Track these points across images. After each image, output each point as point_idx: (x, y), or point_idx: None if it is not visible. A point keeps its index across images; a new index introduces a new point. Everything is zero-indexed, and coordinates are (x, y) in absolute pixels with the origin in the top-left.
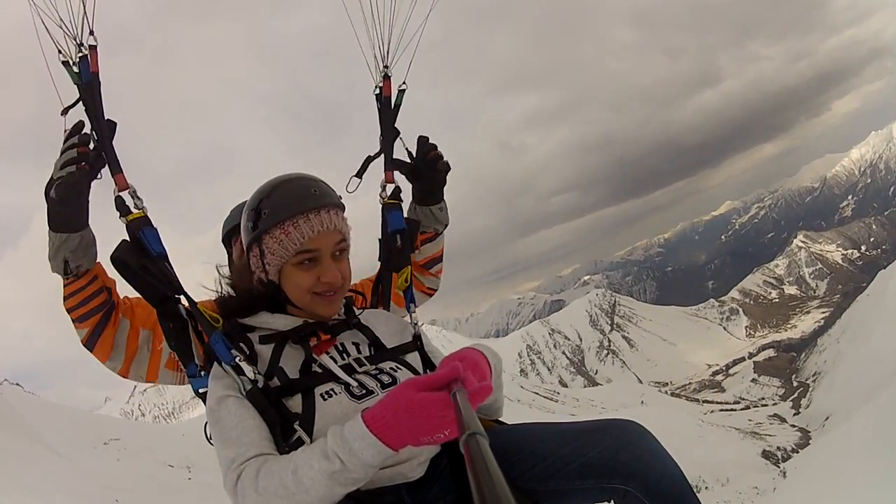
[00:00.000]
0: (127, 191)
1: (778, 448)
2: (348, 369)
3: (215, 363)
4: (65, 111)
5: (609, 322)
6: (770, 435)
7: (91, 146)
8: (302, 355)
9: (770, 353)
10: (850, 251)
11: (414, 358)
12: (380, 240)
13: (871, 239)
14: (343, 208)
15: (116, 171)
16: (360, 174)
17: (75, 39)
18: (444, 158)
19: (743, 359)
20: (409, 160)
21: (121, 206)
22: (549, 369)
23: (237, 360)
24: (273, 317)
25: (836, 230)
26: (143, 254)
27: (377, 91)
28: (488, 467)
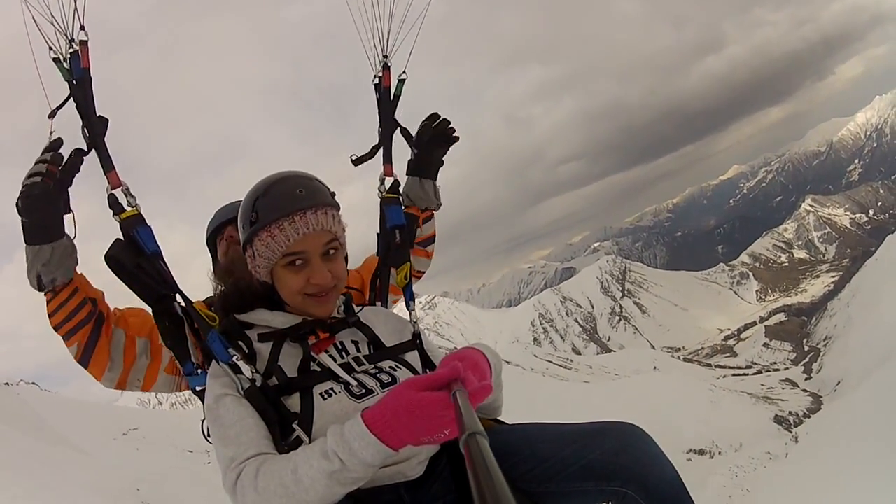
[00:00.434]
0: (119, 188)
1: (790, 413)
2: (347, 368)
3: (213, 361)
4: (52, 114)
5: (620, 288)
6: (782, 400)
7: (60, 165)
8: (300, 354)
9: (781, 317)
10: (858, 215)
11: (413, 357)
12: (378, 235)
13: (879, 203)
14: (336, 207)
15: (109, 168)
16: (359, 161)
17: (66, 35)
18: (452, 129)
19: (754, 323)
20: (412, 142)
21: (114, 204)
22: (561, 337)
23: (234, 359)
24: (272, 314)
25: (844, 194)
26: (138, 252)
27: (376, 81)
28: (488, 467)
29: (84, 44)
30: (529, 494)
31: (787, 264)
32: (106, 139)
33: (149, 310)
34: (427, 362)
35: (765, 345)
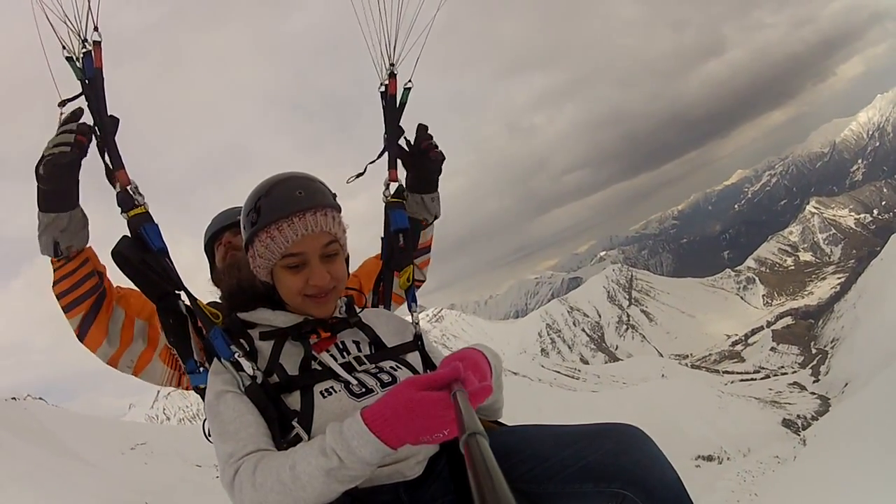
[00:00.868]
0: (129, 186)
1: (798, 416)
2: (348, 367)
3: (215, 359)
4: (63, 103)
5: (627, 297)
6: (790, 403)
7: (89, 136)
8: (302, 352)
9: (788, 320)
10: (862, 215)
11: (414, 357)
12: (382, 238)
13: (883, 202)
14: (336, 208)
15: (118, 166)
16: (353, 179)
17: (79, 35)
18: (439, 148)
19: (761, 328)
20: (407, 149)
21: (122, 201)
22: (569, 347)
23: (236, 356)
24: (273, 313)
25: (848, 195)
26: (144, 249)
27: (382, 89)
28: (488, 467)
29: (97, 44)
30: (529, 495)
31: (793, 267)
32: (116, 138)
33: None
34: (428, 363)
35: (772, 349)
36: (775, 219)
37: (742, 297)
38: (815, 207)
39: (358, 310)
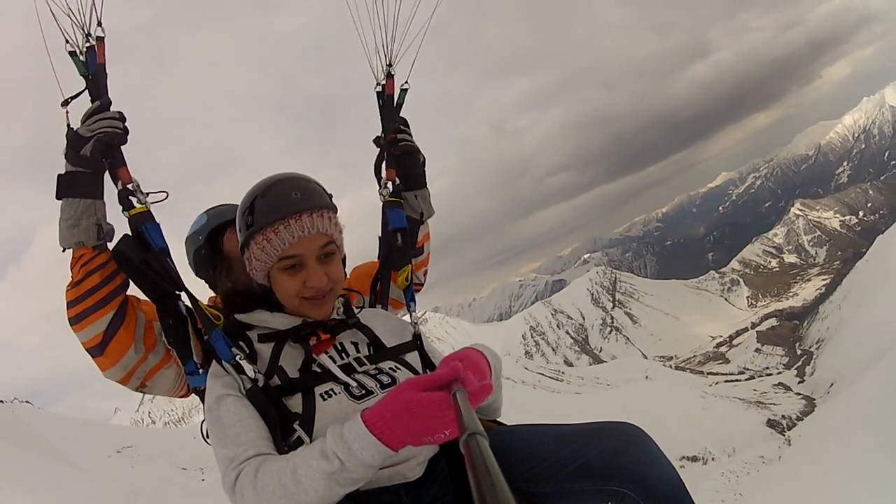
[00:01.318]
0: (130, 185)
1: (783, 417)
2: (347, 369)
3: (214, 361)
4: (66, 101)
5: (611, 299)
6: (775, 404)
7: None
8: (302, 355)
9: (773, 322)
10: (847, 217)
11: (413, 358)
12: (380, 238)
13: (869, 204)
14: (332, 209)
15: (121, 164)
16: (378, 179)
17: (83, 29)
18: (405, 142)
19: (746, 329)
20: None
21: (124, 200)
22: (553, 350)
23: (238, 358)
24: (272, 315)
25: (833, 197)
26: (145, 248)
27: (379, 89)
28: (488, 467)
29: (101, 40)
30: (528, 494)
31: (777, 269)
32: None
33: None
34: (427, 363)
35: (757, 350)
36: (760, 221)
37: (726, 299)
38: (800, 209)
39: (356, 310)
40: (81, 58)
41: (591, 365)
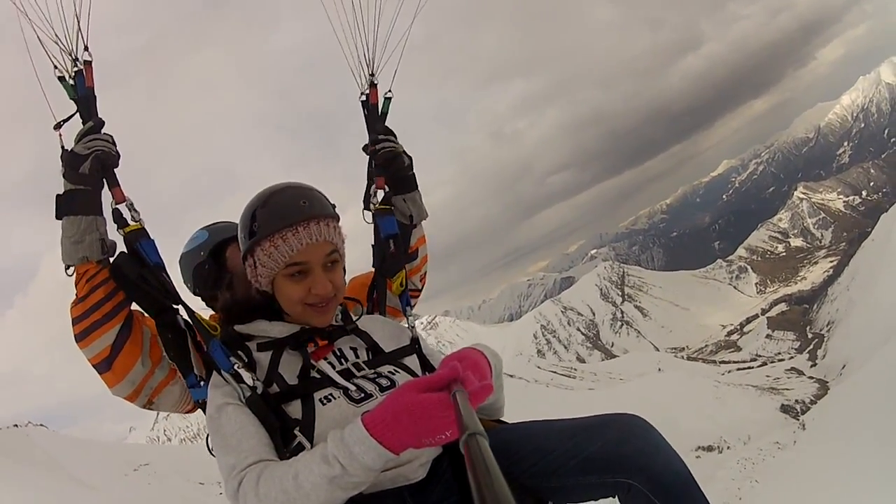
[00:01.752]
0: (124, 203)
1: (797, 401)
2: (346, 374)
3: (214, 372)
4: (59, 124)
5: (620, 293)
6: (788, 389)
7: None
8: (300, 361)
9: (782, 307)
10: (851, 198)
11: (412, 361)
12: (373, 246)
13: (871, 183)
14: (336, 218)
15: (114, 184)
16: (367, 199)
17: (71, 55)
18: (387, 148)
19: (756, 316)
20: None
21: (118, 218)
22: (565, 347)
23: (236, 367)
24: (270, 324)
25: (836, 178)
26: (141, 264)
27: (364, 98)
28: (488, 467)
29: (88, 63)
30: (534, 491)
31: (784, 254)
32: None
33: None
34: (426, 365)
35: (768, 336)
36: (764, 207)
37: (735, 287)
38: (804, 193)
39: (354, 317)
40: (70, 82)
41: (603, 360)
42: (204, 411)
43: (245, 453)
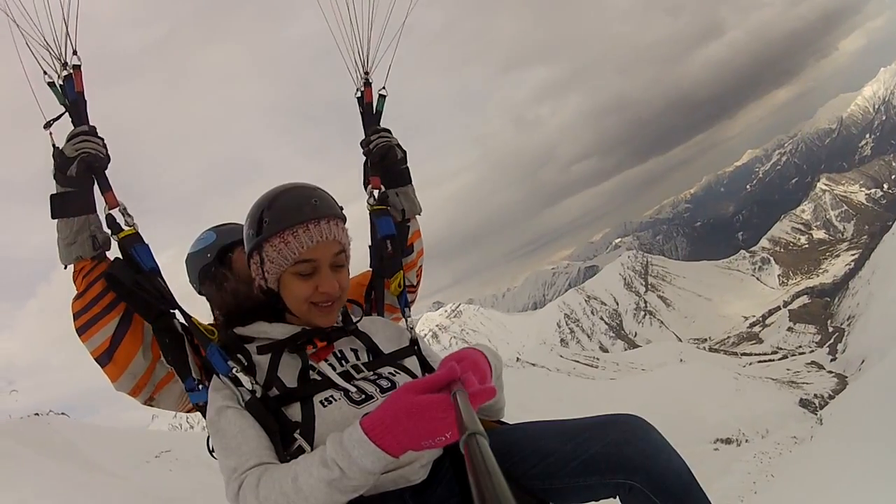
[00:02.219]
0: (117, 208)
1: (815, 396)
2: (347, 376)
3: (214, 375)
4: (48, 125)
5: (643, 283)
6: (807, 383)
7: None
8: (299, 363)
9: (804, 299)
10: (873, 190)
11: (412, 362)
12: (370, 246)
13: (893, 176)
14: (344, 219)
15: (106, 188)
16: (366, 186)
17: (59, 59)
18: (380, 143)
19: (778, 308)
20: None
21: (111, 223)
22: (588, 336)
23: (234, 371)
24: (270, 326)
25: (858, 170)
26: (136, 269)
27: (359, 95)
28: (488, 467)
29: (77, 68)
30: (534, 492)
31: (807, 246)
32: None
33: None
34: (426, 367)
35: (789, 329)
36: (787, 197)
37: (758, 278)
38: (826, 184)
39: (354, 318)
40: (60, 86)
41: (626, 350)
42: (203, 414)
43: (245, 456)
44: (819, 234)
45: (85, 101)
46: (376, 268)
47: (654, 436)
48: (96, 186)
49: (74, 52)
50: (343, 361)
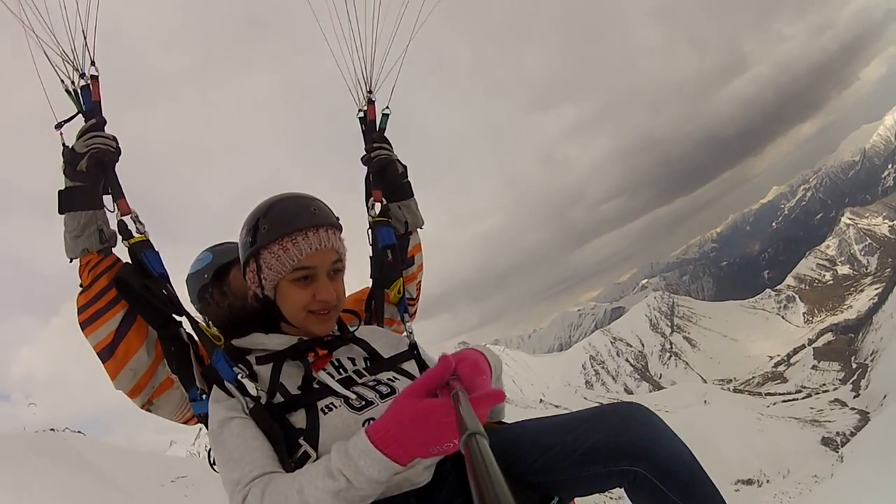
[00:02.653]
0: (129, 216)
1: (837, 433)
2: (347, 383)
3: (215, 387)
4: (60, 124)
5: (669, 324)
6: (830, 421)
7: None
8: (301, 371)
9: (829, 336)
10: (895, 222)
11: (411, 366)
12: (371, 257)
13: None
14: (340, 229)
15: (119, 196)
16: (367, 200)
17: (77, 70)
18: (380, 156)
19: (803, 346)
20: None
21: (123, 230)
22: (613, 378)
23: (239, 376)
24: (267, 337)
25: (881, 202)
26: (145, 274)
27: (361, 115)
28: (488, 467)
29: (95, 78)
30: (538, 486)
31: (831, 282)
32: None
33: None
34: (425, 370)
35: (814, 367)
36: (812, 233)
37: (783, 317)
38: (850, 218)
39: (351, 327)
40: (77, 93)
41: (650, 392)
42: (205, 424)
43: (249, 467)
44: (843, 270)
45: (101, 110)
46: (376, 278)
47: (656, 421)
48: (103, 192)
49: (92, 63)
50: (341, 370)
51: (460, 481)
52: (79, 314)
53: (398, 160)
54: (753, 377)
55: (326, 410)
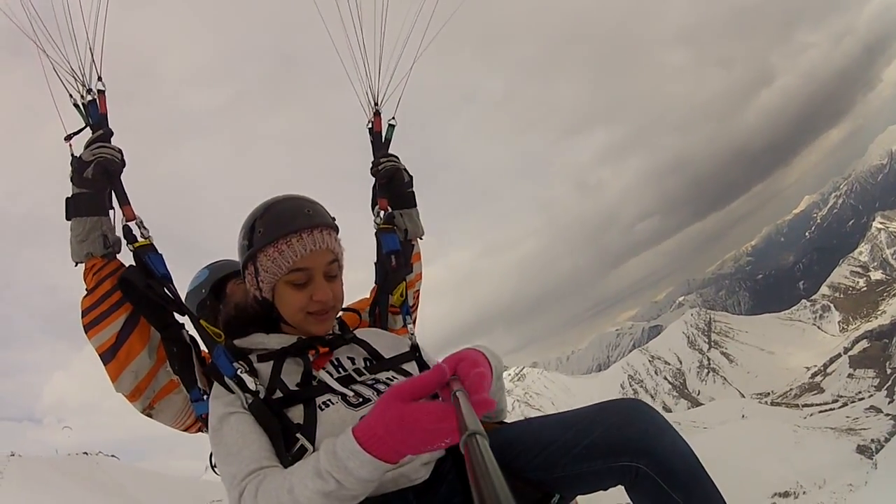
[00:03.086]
0: (134, 221)
1: (872, 441)
2: (345, 381)
3: (215, 383)
4: (69, 136)
5: (706, 340)
6: (865, 429)
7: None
8: (301, 368)
9: (864, 344)
10: None
11: (412, 367)
12: (375, 263)
13: None
14: (337, 230)
15: (124, 202)
16: (374, 208)
17: (85, 86)
18: (387, 165)
19: (839, 355)
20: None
21: (128, 234)
22: (652, 397)
23: (239, 372)
24: (268, 337)
25: None
26: (148, 275)
27: (369, 126)
28: (488, 467)
29: (101, 93)
30: (539, 484)
31: (865, 289)
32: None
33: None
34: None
35: (849, 375)
36: (845, 241)
37: (819, 327)
38: (881, 223)
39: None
40: (84, 111)
41: (689, 409)
42: (206, 426)
43: (245, 461)
44: (876, 276)
45: (108, 123)
46: (381, 283)
47: (657, 417)
48: (112, 198)
49: (99, 78)
50: (341, 369)
51: (460, 479)
52: (83, 317)
53: (405, 169)
54: (791, 389)
55: (324, 406)
